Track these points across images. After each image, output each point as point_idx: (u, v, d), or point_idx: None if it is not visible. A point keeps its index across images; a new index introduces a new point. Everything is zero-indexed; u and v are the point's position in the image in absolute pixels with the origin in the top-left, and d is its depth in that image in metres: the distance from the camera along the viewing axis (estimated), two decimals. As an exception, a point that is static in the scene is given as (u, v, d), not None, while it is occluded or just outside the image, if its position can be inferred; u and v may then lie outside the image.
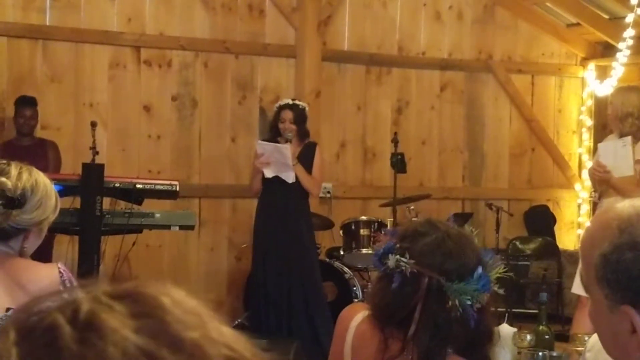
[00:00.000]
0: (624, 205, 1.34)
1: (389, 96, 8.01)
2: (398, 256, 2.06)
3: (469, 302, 2.00)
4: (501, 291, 2.11)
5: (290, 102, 6.30)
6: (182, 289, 0.69)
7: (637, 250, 1.28)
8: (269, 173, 6.13)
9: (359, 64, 7.87)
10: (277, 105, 6.34)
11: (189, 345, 0.63)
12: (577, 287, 5.52)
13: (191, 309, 0.66)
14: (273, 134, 6.28)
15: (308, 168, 6.22)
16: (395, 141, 6.81)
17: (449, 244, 2.06)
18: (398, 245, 2.09)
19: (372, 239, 6.80)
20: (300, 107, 6.24)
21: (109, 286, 0.67)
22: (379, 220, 6.90)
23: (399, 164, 6.79)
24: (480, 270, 2.04)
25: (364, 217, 7.04)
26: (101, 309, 0.63)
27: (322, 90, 7.50)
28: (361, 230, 6.90)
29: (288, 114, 6.18)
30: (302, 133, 6.26)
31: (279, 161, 6.09)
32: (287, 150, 6.06)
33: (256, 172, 6.21)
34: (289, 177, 6.11)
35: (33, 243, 2.42)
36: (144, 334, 0.62)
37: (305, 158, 6.23)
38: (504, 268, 2.12)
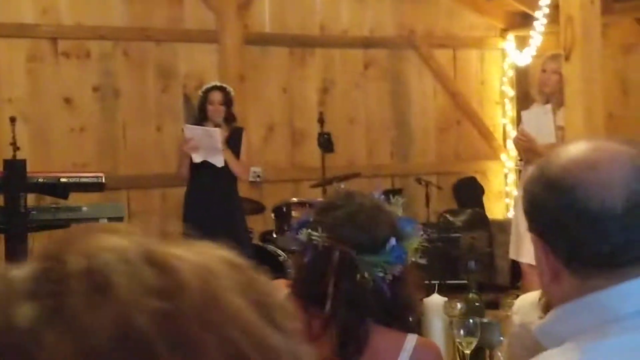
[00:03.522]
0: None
1: (313, 77, 8.00)
2: (310, 230, 2.05)
3: (380, 274, 2.00)
4: (424, 261, 2.12)
5: (218, 84, 6.27)
6: None
7: (542, 183, 1.34)
8: (197, 158, 6.07)
9: (281, 46, 7.84)
10: (203, 88, 6.27)
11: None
12: (512, 253, 5.62)
13: None
14: (200, 118, 6.22)
15: (236, 153, 6.18)
16: (321, 121, 6.81)
17: (361, 216, 2.05)
18: (312, 219, 2.09)
19: (304, 220, 6.80)
20: (227, 89, 6.20)
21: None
22: (311, 201, 6.90)
23: (326, 143, 6.80)
24: (393, 241, 2.03)
25: (295, 199, 7.03)
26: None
27: (246, 74, 7.46)
28: (293, 212, 6.89)
29: (217, 96, 6.12)
30: (230, 117, 6.22)
31: (209, 145, 6.03)
32: (217, 134, 6.01)
33: (184, 157, 6.14)
34: (219, 162, 6.06)
35: None
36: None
37: (233, 143, 6.19)
38: (429, 239, 2.12)
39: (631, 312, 1.27)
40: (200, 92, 6.29)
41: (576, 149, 1.36)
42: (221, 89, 6.17)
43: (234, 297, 0.58)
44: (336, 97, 8.07)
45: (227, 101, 6.15)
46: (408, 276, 2.08)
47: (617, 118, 7.55)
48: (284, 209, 6.90)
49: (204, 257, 0.60)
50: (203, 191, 6.13)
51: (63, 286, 0.55)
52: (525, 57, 8.01)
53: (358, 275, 1.99)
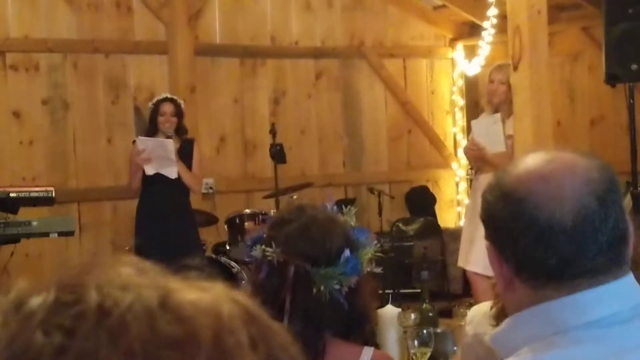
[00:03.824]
0: None
1: (265, 87, 8.00)
2: (263, 246, 2.05)
3: (336, 287, 2.00)
4: (379, 270, 2.12)
5: (169, 95, 6.25)
6: None
7: (497, 192, 1.36)
8: (150, 170, 6.02)
9: (232, 57, 7.83)
10: (154, 100, 6.24)
11: None
12: (461, 261, 5.68)
13: None
14: (151, 130, 6.18)
15: (187, 164, 6.16)
16: (273, 132, 6.81)
17: (313, 229, 2.05)
18: (265, 235, 2.08)
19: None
20: (178, 101, 6.18)
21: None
22: (263, 212, 6.90)
23: (278, 154, 6.80)
24: (347, 252, 2.03)
25: (248, 210, 7.02)
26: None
27: (197, 85, 7.43)
28: (246, 224, 6.88)
29: (168, 107, 6.10)
30: (181, 129, 6.20)
31: (161, 156, 5.99)
32: (170, 145, 5.98)
33: (136, 169, 6.10)
34: (172, 173, 6.03)
35: None
36: None
37: (185, 154, 6.17)
38: (382, 248, 2.13)
39: (579, 324, 1.29)
40: (150, 104, 6.26)
41: (532, 160, 1.37)
42: (172, 100, 6.15)
43: (246, 354, 0.57)
44: (288, 107, 8.08)
45: (178, 113, 6.13)
46: (364, 286, 2.08)
47: (564, 126, 7.68)
48: (237, 220, 6.89)
49: (219, 304, 0.59)
50: (156, 203, 6.09)
51: (77, 323, 0.54)
52: (474, 67, 8.10)
53: (314, 289, 1.99)
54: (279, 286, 2.00)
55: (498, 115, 5.42)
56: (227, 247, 6.85)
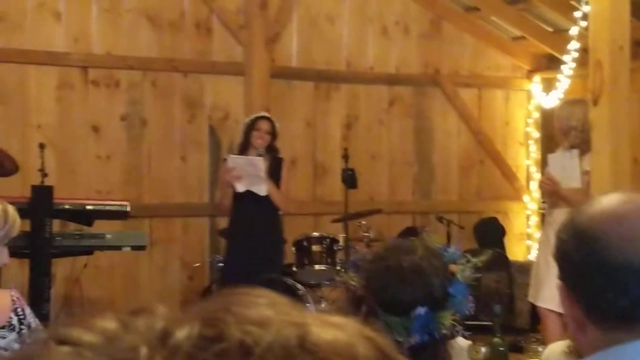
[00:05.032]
0: None
1: (337, 112, 8.04)
2: (352, 273, 2.03)
3: (399, 338, 1.92)
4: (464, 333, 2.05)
5: (267, 114, 6.34)
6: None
7: (571, 232, 1.36)
8: (240, 187, 6.08)
9: (307, 80, 7.89)
10: (252, 116, 6.33)
11: None
12: (531, 296, 5.60)
13: None
14: (243, 145, 6.25)
15: (276, 183, 6.22)
16: (345, 156, 6.83)
17: (398, 273, 1.98)
18: (360, 263, 2.07)
19: (323, 255, 6.80)
20: (274, 121, 6.27)
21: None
22: (331, 236, 6.90)
23: (349, 179, 6.81)
24: (421, 310, 1.94)
25: (315, 233, 7.03)
26: None
27: (272, 107, 7.50)
28: (313, 247, 6.89)
29: (265, 124, 6.18)
30: (273, 148, 6.27)
31: (252, 174, 6.04)
32: (261, 162, 6.04)
33: (227, 187, 6.17)
34: (262, 190, 6.08)
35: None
36: None
37: (274, 173, 6.23)
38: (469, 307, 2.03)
39: None
40: (246, 120, 6.35)
41: (607, 200, 1.37)
42: (269, 119, 6.26)
43: None
44: (359, 132, 8.10)
45: (273, 131, 6.22)
46: (437, 350, 2.00)
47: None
48: (305, 243, 6.90)
49: (355, 344, 0.58)
50: (246, 220, 6.14)
51: None
52: (551, 99, 8.01)
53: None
54: (354, 315, 1.98)
55: (576, 151, 5.35)
56: (294, 269, 6.87)
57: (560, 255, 1.38)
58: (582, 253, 1.33)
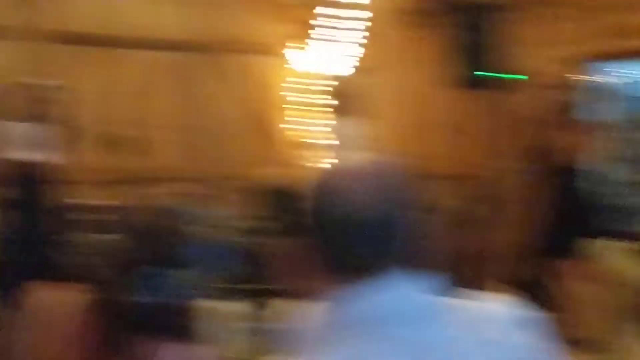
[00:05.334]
0: None
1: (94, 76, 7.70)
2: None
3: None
4: None
5: None
6: None
7: (312, 191, 1.49)
8: None
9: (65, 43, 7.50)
10: None
11: None
12: None
13: None
14: None
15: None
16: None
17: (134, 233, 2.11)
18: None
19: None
20: None
21: None
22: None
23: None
24: (147, 269, 2.03)
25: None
26: None
27: None
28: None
29: None
30: None
31: None
32: None
33: None
34: None
35: None
36: None
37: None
38: None
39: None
40: None
41: (344, 161, 1.53)
42: None
43: None
44: (124, 99, 7.84)
45: None
46: (175, 309, 2.07)
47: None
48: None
49: None
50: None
51: None
52: (309, 65, 8.14)
53: None
54: None
55: (352, 118, 5.49)
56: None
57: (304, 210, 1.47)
58: (318, 209, 1.43)
